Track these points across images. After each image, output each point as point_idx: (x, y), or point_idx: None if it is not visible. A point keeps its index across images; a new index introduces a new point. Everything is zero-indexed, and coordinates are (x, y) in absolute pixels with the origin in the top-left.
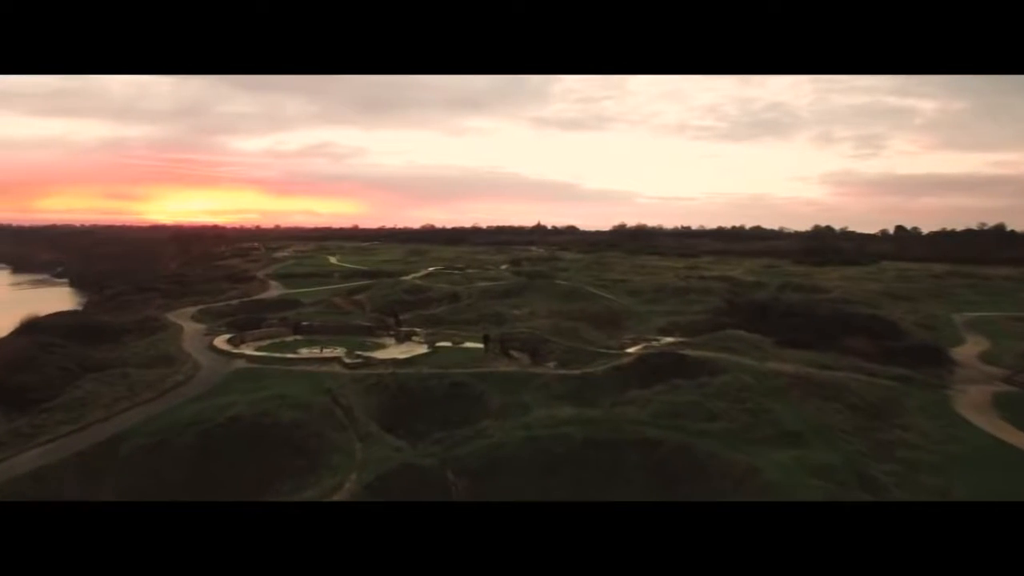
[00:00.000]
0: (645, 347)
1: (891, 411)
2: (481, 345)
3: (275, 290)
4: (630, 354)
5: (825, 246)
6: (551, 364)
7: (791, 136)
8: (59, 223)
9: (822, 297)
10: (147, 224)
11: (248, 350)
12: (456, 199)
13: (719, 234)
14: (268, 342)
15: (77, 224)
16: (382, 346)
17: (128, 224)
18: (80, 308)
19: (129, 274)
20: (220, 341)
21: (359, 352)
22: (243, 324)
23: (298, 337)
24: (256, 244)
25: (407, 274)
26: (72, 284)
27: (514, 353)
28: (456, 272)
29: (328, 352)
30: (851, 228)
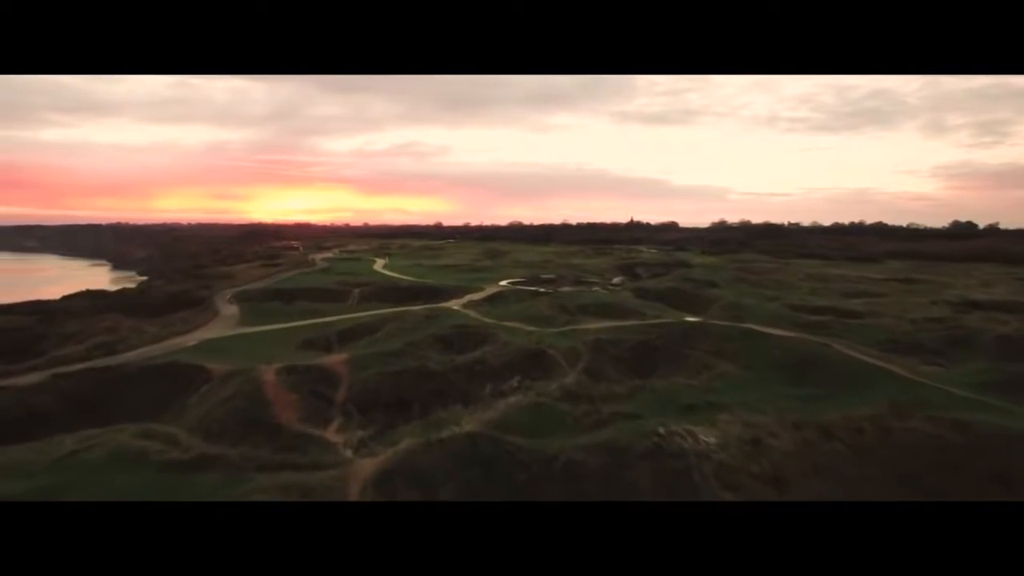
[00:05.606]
0: None
1: None
2: None
3: (215, 328)
4: None
5: None
6: None
7: (897, 125)
8: (168, 222)
9: None
10: (244, 222)
11: None
12: (543, 196)
13: (849, 230)
14: None
15: (184, 223)
16: None
17: (229, 223)
18: None
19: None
20: None
21: None
22: None
23: None
24: (296, 243)
25: (463, 294)
26: (151, 279)
27: None
28: (543, 292)
29: None
30: (1001, 225)
